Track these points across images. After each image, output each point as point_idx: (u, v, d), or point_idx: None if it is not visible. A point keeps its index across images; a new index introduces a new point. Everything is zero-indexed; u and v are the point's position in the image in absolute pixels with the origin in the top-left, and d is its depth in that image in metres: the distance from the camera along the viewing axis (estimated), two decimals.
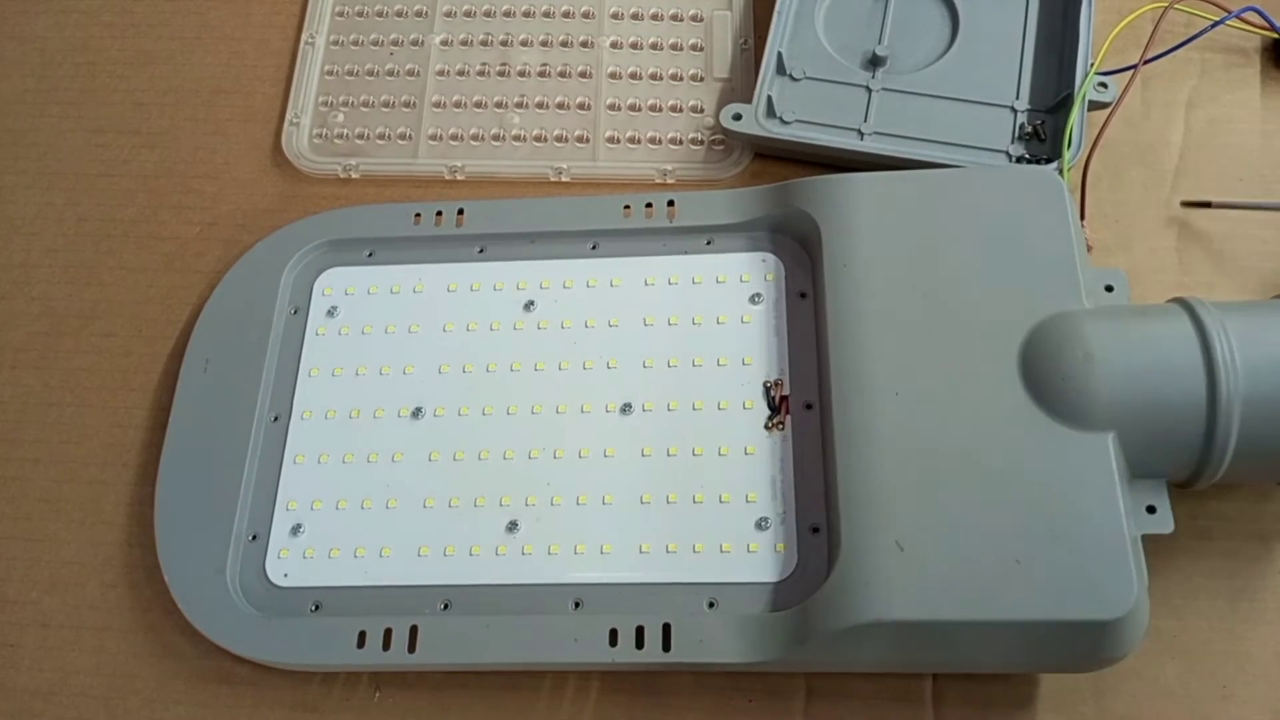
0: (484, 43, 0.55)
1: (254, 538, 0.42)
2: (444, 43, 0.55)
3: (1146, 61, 0.49)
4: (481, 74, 0.54)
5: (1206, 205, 0.47)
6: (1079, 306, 0.39)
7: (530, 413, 0.43)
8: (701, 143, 0.52)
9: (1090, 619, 0.35)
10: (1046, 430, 0.37)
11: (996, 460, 0.37)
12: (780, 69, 0.51)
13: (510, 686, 0.41)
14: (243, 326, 0.46)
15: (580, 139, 0.53)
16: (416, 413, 0.44)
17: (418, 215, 0.48)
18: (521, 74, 0.54)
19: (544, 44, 0.55)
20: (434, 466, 0.43)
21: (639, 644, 0.38)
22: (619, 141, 0.52)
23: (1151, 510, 0.38)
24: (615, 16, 0.55)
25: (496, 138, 0.53)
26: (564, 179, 0.52)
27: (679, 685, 0.41)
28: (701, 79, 0.54)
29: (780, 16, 0.51)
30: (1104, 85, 0.48)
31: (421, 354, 0.45)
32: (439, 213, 0.48)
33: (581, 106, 0.53)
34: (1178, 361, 0.37)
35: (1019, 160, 0.48)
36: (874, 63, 0.51)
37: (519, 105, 0.53)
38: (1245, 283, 0.47)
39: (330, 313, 0.47)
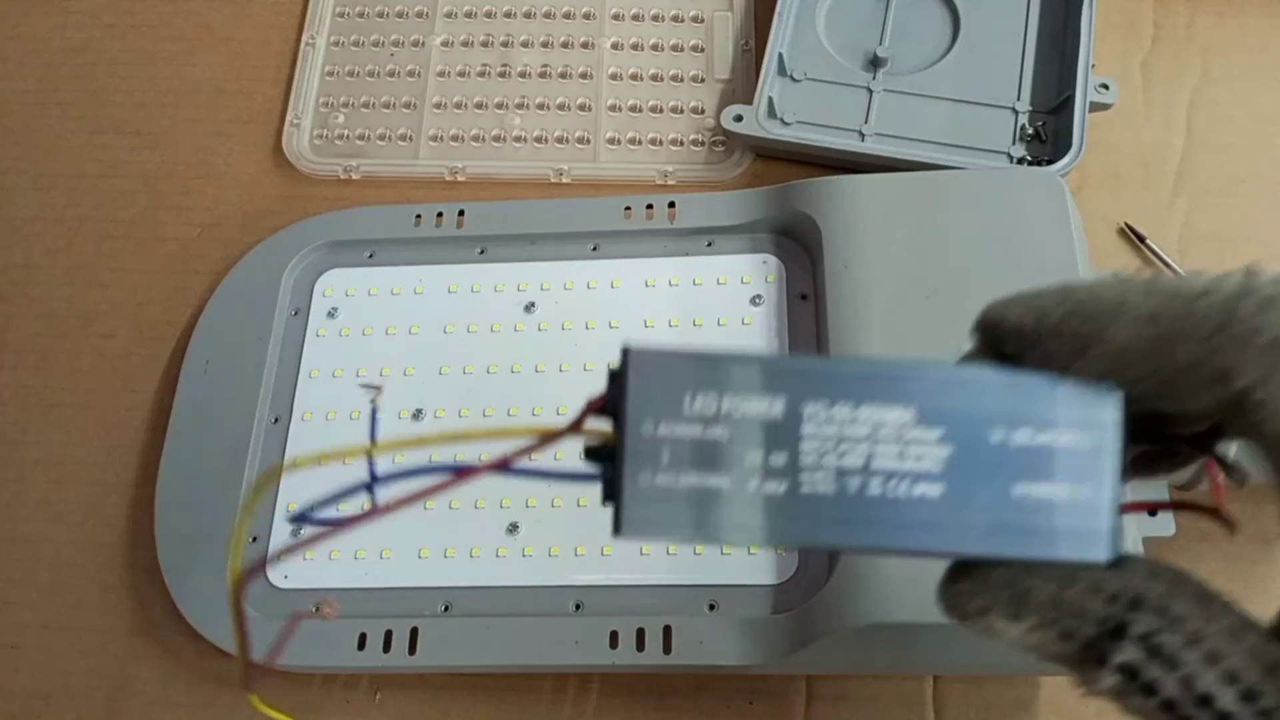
0: (484, 44, 0.55)
1: (254, 539, 0.42)
2: (444, 44, 0.55)
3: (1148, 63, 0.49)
4: (482, 75, 0.54)
5: (1141, 239, 0.47)
6: None
7: (531, 414, 0.43)
8: (702, 144, 0.52)
9: None
10: None
11: None
12: (781, 70, 0.51)
13: (510, 688, 0.41)
14: (243, 328, 0.46)
15: (581, 140, 0.52)
16: (417, 414, 0.44)
17: (418, 216, 0.48)
18: (522, 75, 0.54)
19: (544, 45, 0.55)
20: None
21: (640, 646, 0.38)
22: (619, 143, 0.52)
23: (1152, 513, 0.38)
24: (616, 17, 0.55)
25: (497, 139, 0.53)
26: (565, 180, 0.52)
27: (679, 687, 0.41)
28: (702, 80, 0.54)
29: (781, 18, 0.51)
30: (1105, 86, 0.48)
31: (422, 356, 0.45)
32: (439, 214, 0.48)
33: (582, 108, 0.53)
34: None
35: (1020, 161, 0.48)
36: (875, 64, 0.51)
37: (519, 106, 0.53)
38: None
39: (331, 314, 0.46)
